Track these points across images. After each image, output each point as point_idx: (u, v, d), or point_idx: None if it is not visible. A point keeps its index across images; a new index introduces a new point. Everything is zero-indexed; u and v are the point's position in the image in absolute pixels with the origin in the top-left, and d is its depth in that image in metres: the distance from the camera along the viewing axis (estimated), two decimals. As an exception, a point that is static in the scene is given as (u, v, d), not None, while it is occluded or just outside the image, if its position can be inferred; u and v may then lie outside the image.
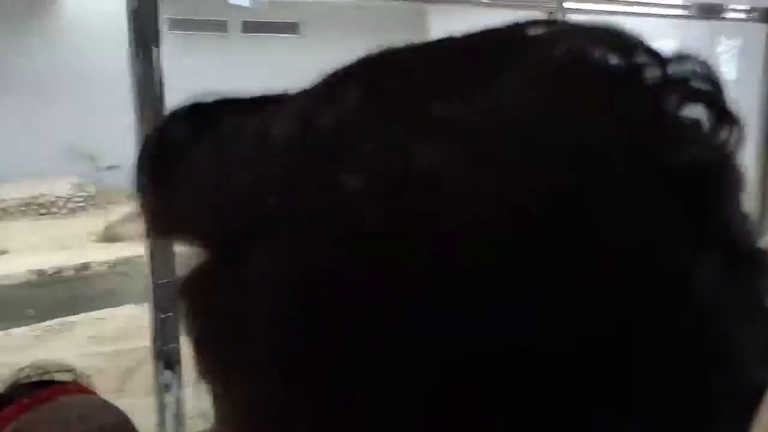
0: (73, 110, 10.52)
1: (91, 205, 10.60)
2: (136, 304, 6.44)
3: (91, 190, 10.40)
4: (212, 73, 11.34)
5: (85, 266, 7.92)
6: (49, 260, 7.95)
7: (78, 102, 10.58)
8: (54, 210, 10.46)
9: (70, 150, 8.64)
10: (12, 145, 10.05)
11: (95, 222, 9.67)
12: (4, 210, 10.03)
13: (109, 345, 5.55)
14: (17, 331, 5.66)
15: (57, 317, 6.01)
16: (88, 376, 0.88)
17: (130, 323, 6.03)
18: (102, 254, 8.20)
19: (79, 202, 10.61)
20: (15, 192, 10.14)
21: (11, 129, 10.20)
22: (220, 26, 11.93)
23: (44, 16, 10.81)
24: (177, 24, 11.31)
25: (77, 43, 10.97)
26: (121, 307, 6.36)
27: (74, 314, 6.10)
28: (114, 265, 8.04)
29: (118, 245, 8.61)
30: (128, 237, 8.83)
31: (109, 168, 8.78)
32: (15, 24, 10.19)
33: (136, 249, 8.30)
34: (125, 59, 1.51)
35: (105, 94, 9.95)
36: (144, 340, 1.76)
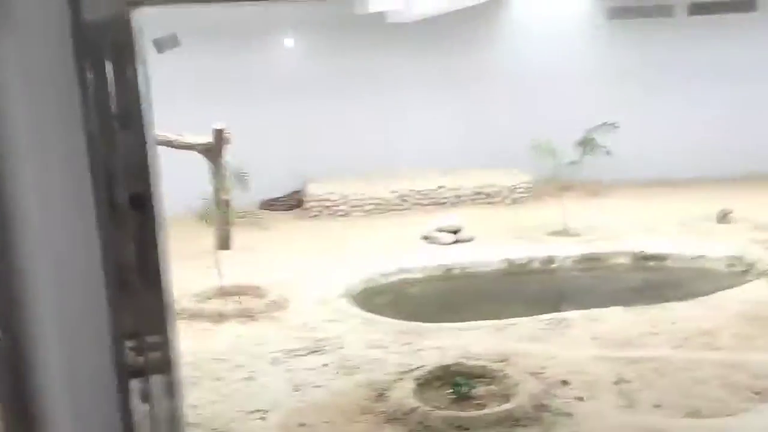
0: (530, 107, 11.27)
1: (530, 197, 10.76)
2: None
3: (529, 182, 10.62)
4: (658, 57, 11.38)
5: (551, 259, 7.89)
6: (515, 250, 8.07)
7: (533, 99, 11.31)
8: (497, 200, 10.81)
9: (535, 146, 8.66)
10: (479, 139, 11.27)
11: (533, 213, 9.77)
12: (458, 197, 10.70)
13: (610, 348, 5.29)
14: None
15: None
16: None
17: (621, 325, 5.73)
18: (559, 248, 8.10)
19: (521, 193, 10.82)
20: (467, 182, 10.77)
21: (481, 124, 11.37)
22: (664, 11, 11.39)
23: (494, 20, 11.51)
24: (618, 12, 11.44)
25: (523, 43, 11.59)
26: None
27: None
28: (579, 260, 7.90)
29: (573, 239, 8.48)
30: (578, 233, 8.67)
31: (571, 163, 8.67)
32: (466, 29, 11.11)
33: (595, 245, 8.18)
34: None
35: (554, 90, 11.38)
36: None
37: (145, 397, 1.53)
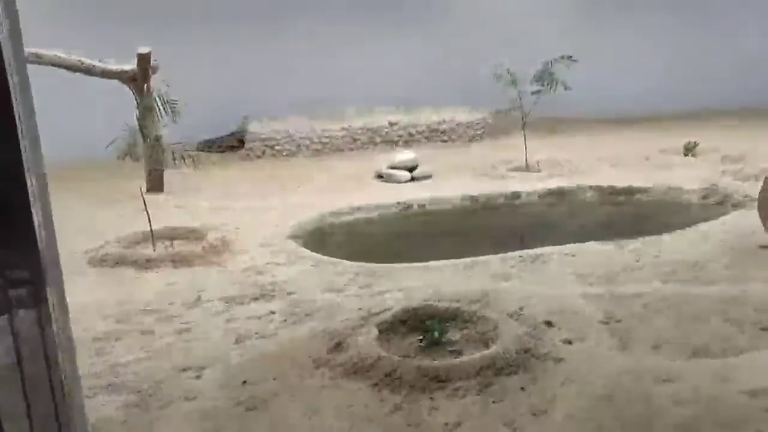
0: (487, 41, 10.81)
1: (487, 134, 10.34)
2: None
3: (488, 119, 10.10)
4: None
5: (515, 195, 7.32)
6: (477, 187, 7.52)
7: (489, 33, 10.83)
8: (454, 137, 10.31)
9: (497, 75, 8.07)
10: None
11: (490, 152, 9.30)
12: (411, 135, 10.14)
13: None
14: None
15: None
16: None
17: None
18: (523, 184, 7.55)
19: (477, 130, 10.31)
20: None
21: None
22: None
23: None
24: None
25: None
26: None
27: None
28: (545, 195, 7.34)
29: (536, 175, 7.99)
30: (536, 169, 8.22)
31: (534, 93, 8.08)
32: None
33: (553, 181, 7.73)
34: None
35: (510, 24, 10.85)
36: None
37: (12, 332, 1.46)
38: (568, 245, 5.48)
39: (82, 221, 6.67)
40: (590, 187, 7.45)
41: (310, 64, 10.74)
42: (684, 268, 4.89)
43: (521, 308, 4.23)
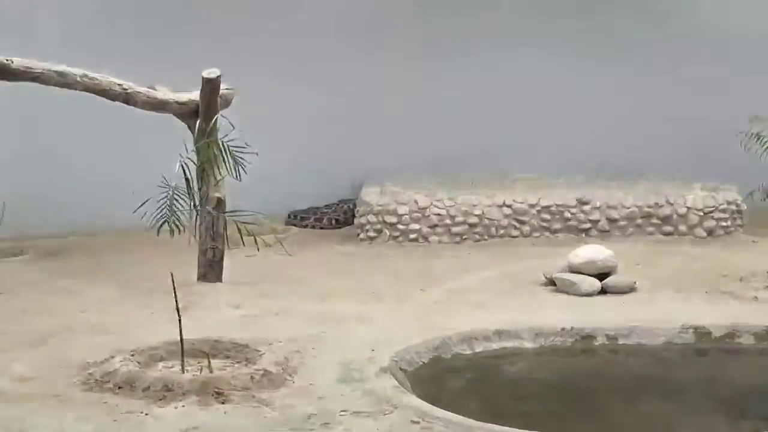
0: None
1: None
2: None
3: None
4: None
5: (775, 333, 6.51)
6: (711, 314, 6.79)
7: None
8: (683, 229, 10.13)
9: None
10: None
11: None
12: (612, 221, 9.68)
13: None
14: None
15: None
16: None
17: None
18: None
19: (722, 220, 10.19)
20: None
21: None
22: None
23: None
24: None
25: None
26: None
27: None
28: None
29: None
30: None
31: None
32: None
33: None
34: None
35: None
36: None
37: None
38: None
39: (89, 317, 6.70)
40: None
41: (455, 106, 10.98)
42: None
43: None
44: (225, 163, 7.12)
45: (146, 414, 5.02)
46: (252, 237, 7.17)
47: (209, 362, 5.74)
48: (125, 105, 7.58)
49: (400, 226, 9.81)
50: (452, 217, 9.85)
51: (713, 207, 10.01)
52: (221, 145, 7.14)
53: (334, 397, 5.25)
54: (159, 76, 7.96)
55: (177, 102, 7.65)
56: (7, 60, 6.76)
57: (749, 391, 6.08)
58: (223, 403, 5.17)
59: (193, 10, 10.30)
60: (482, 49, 11.00)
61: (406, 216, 9.84)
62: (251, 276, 8.06)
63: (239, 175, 7.06)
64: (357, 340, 6.26)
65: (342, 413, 4.99)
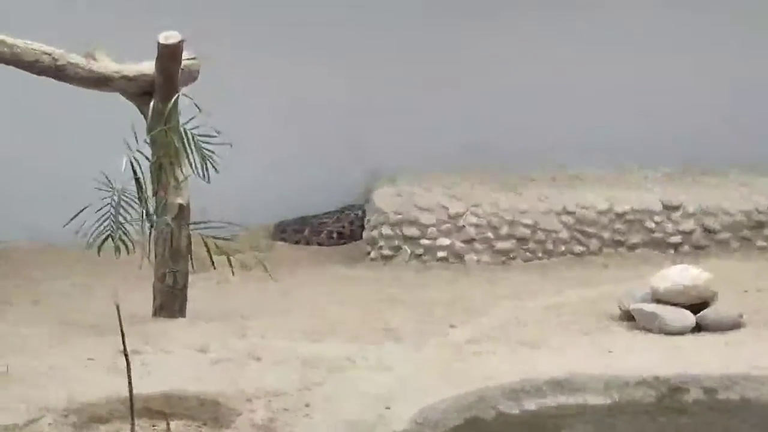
0: None
1: None
2: None
3: None
4: None
5: None
6: None
7: None
8: None
9: None
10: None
11: None
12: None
13: None
14: None
15: None
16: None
17: None
18: None
19: None
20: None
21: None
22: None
23: None
24: None
25: None
26: None
27: None
28: None
29: None
30: None
31: None
32: None
33: None
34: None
35: None
36: None
37: None
38: None
39: (8, 363, 6.65)
40: None
41: (488, 82, 10.99)
42: None
43: None
44: (189, 157, 7.17)
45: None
46: (225, 256, 7.17)
47: (168, 426, 5.81)
48: (55, 81, 7.59)
49: (425, 241, 9.83)
50: (494, 229, 9.87)
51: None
52: (183, 134, 7.20)
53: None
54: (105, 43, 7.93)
55: (124, 76, 7.63)
56: None
57: None
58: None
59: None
60: (525, 7, 11.07)
61: (433, 228, 9.85)
62: (223, 308, 8.05)
63: (208, 173, 7.08)
64: (365, 394, 6.28)
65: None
